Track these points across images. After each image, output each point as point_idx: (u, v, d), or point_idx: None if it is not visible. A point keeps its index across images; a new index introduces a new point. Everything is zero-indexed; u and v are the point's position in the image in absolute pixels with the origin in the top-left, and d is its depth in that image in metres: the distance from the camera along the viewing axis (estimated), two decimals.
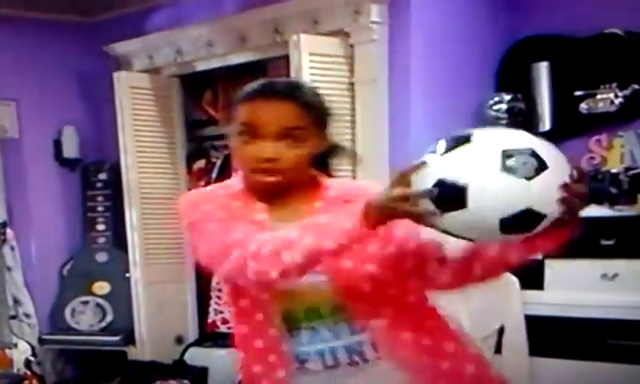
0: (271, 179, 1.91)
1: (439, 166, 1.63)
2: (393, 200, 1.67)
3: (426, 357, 1.94)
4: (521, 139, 1.64)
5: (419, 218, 1.69)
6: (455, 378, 1.96)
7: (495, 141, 1.63)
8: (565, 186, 1.64)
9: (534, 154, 1.61)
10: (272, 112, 1.89)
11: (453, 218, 1.62)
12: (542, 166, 1.60)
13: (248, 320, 1.98)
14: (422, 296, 1.97)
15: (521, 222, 1.61)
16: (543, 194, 1.60)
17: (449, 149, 1.64)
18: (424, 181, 1.64)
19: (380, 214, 1.69)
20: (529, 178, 1.58)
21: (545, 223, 1.64)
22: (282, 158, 1.89)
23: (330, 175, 2.06)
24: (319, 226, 1.76)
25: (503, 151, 1.59)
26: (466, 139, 1.64)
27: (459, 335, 2.01)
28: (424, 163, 1.66)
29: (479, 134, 1.66)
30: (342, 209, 1.77)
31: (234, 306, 2.01)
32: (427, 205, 1.63)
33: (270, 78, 2.05)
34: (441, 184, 1.61)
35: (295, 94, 1.93)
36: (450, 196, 1.60)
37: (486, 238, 1.72)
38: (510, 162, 1.58)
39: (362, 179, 2.04)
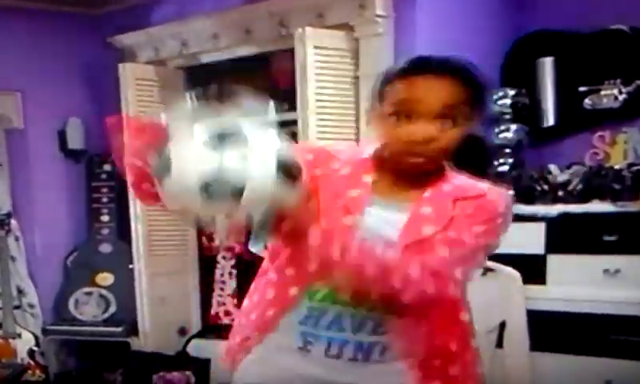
0: (424, 161, 1.79)
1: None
2: None
3: (436, 357, 1.90)
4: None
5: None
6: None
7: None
8: None
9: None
10: (432, 89, 1.75)
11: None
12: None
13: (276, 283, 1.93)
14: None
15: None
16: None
17: None
18: None
19: None
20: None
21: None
22: (437, 139, 1.76)
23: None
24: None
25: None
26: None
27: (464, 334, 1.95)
28: None
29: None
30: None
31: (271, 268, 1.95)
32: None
33: (424, 55, 1.86)
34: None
35: (456, 69, 1.78)
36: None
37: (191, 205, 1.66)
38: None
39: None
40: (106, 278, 5.47)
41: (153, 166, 1.67)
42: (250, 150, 1.61)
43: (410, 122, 1.76)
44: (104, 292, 5.44)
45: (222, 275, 5.07)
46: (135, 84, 4.96)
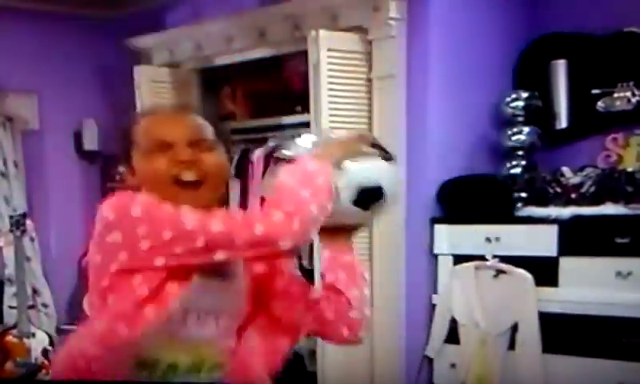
0: (193, 177, 1.80)
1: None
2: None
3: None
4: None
5: None
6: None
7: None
8: None
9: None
10: (183, 122, 1.86)
11: None
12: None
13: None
14: None
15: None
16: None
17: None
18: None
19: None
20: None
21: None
22: (200, 160, 1.81)
23: None
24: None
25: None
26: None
27: None
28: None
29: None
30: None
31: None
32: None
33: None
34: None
35: (195, 112, 1.94)
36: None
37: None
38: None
39: None
40: None
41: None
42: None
43: (168, 153, 1.81)
44: None
45: None
46: (150, 86, 4.99)
